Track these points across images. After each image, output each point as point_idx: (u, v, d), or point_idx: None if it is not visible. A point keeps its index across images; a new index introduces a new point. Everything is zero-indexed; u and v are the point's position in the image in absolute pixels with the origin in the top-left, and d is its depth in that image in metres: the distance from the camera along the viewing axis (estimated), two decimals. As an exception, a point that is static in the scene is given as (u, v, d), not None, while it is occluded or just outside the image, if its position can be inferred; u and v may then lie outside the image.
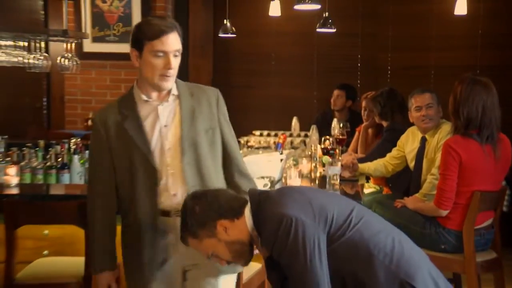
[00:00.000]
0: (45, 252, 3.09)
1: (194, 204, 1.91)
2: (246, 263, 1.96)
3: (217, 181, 2.20)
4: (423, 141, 3.67)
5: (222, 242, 1.89)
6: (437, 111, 3.63)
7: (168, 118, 2.18)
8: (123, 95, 2.29)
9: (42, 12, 6.17)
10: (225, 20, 5.61)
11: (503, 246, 3.37)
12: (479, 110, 3.08)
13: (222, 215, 1.88)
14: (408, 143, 3.82)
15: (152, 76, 2.13)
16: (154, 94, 2.20)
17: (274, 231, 1.79)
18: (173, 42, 2.11)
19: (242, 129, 5.91)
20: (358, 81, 6.42)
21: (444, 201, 3.07)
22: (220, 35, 5.74)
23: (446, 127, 3.55)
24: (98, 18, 6.07)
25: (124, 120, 2.15)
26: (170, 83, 2.17)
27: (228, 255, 1.91)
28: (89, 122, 5.96)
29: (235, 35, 5.73)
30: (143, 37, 2.10)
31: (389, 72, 6.40)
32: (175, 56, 2.13)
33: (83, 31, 5.75)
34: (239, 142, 4.73)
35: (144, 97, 2.19)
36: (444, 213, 3.10)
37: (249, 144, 4.73)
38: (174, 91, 2.22)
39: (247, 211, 1.89)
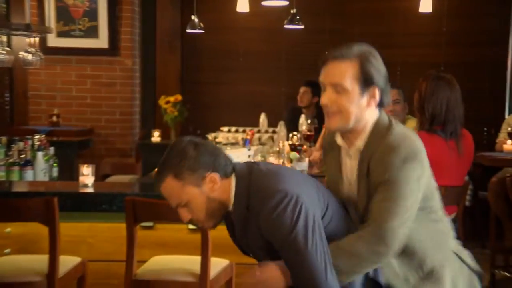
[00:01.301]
0: (7, 250, 3.03)
1: (192, 147, 1.81)
2: (213, 227, 1.88)
3: None
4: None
5: (203, 195, 1.80)
6: (403, 107, 3.69)
7: None
8: None
9: (4, 5, 6.01)
10: (192, 16, 5.58)
11: (465, 239, 3.44)
12: (443, 106, 3.13)
13: (216, 169, 1.80)
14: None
15: None
16: None
17: (271, 205, 1.72)
18: None
19: (210, 125, 5.90)
20: (326, 78, 6.46)
21: None
22: (188, 30, 5.71)
23: (412, 123, 3.60)
24: (63, 13, 5.97)
25: None
26: None
27: (201, 211, 1.81)
28: (54, 118, 5.86)
29: (203, 31, 5.70)
30: None
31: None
32: None
33: (47, 25, 5.64)
34: (207, 138, 4.73)
35: None
36: None
37: (217, 140, 4.71)
38: None
39: (234, 176, 1.83)
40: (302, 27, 5.39)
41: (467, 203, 4.13)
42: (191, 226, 3.12)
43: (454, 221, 3.28)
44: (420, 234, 1.87)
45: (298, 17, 5.30)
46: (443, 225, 1.96)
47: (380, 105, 1.91)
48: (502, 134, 4.58)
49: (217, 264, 2.80)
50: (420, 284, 1.88)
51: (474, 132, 3.35)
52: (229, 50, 6.59)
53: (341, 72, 1.83)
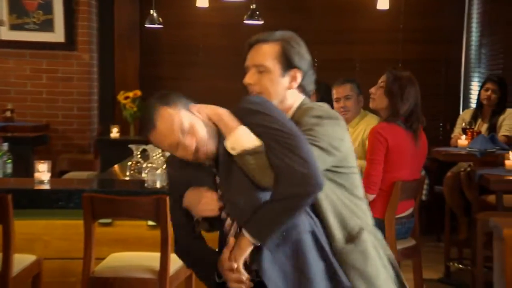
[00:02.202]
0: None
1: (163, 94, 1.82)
2: (214, 154, 1.79)
3: None
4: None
5: (198, 119, 1.80)
6: (357, 102, 3.73)
7: None
8: None
9: (-45, -3, 5.85)
10: (151, 11, 5.52)
11: (421, 233, 3.51)
12: (411, 103, 3.21)
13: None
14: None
15: None
16: None
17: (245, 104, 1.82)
18: None
19: (169, 121, 5.84)
20: (285, 74, 6.50)
21: (371, 185, 3.16)
22: (146, 25, 5.64)
23: (370, 121, 3.65)
24: (16, 5, 5.80)
25: None
26: None
27: (203, 132, 1.76)
28: (8, 114, 5.70)
29: (162, 26, 5.65)
30: None
31: (315, 64, 6.49)
32: None
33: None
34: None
35: None
36: (371, 197, 3.19)
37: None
38: None
39: None
40: (261, 22, 5.39)
41: (423, 198, 4.21)
42: (150, 222, 3.09)
43: (411, 215, 3.35)
44: (341, 199, 1.90)
45: (257, 12, 5.30)
46: (363, 204, 1.98)
47: (304, 91, 1.96)
48: (457, 130, 4.69)
49: (177, 260, 2.77)
50: (344, 246, 1.87)
51: (430, 127, 3.44)
52: (189, 45, 6.54)
53: (264, 53, 1.92)
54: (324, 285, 1.78)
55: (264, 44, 1.93)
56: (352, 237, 1.88)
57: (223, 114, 1.81)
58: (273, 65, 1.90)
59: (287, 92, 1.91)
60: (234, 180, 1.77)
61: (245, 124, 1.77)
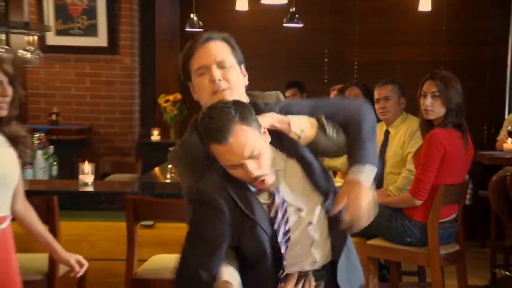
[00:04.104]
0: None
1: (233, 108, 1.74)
2: (273, 183, 1.74)
3: None
4: (386, 134, 3.71)
5: (267, 145, 1.74)
6: (397, 103, 3.67)
7: None
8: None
9: (3, 3, 6.01)
10: (191, 14, 5.57)
11: (465, 238, 3.44)
12: (460, 104, 3.15)
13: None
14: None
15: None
16: None
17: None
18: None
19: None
20: (325, 76, 6.46)
21: (422, 191, 3.11)
22: (186, 29, 5.70)
23: (412, 123, 3.59)
24: (62, 11, 5.95)
25: None
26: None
27: (268, 161, 1.69)
28: (53, 117, 5.85)
29: (202, 29, 5.69)
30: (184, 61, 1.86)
31: (355, 67, 6.45)
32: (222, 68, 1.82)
33: (46, 23, 5.63)
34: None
35: None
36: (419, 203, 3.14)
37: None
38: None
39: None
40: (301, 25, 5.38)
41: (467, 202, 4.12)
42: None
43: (454, 220, 3.28)
44: None
45: (297, 15, 5.29)
46: None
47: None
48: (503, 133, 4.57)
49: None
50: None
51: (474, 130, 3.36)
52: (228, 48, 6.57)
53: (221, 49, 1.84)
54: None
55: (216, 42, 1.84)
56: None
57: (277, 115, 1.79)
58: (233, 61, 1.84)
59: (243, 88, 1.88)
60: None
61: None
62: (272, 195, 1.74)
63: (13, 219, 2.32)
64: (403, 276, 3.95)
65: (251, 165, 1.67)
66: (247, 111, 1.70)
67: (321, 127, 1.79)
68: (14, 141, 2.21)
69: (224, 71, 1.82)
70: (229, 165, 1.70)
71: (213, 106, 1.72)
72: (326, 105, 1.88)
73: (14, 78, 2.19)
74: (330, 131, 1.79)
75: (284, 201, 1.74)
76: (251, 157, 1.67)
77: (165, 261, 2.85)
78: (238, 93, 1.83)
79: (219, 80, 1.79)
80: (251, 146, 1.67)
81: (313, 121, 1.80)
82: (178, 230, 3.16)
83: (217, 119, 1.66)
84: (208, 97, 1.80)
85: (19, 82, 2.25)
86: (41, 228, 2.39)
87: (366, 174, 1.76)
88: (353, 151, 1.80)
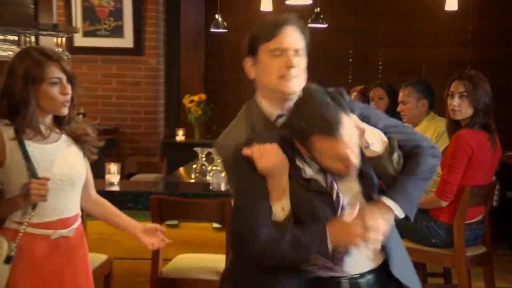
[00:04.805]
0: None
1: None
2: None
3: None
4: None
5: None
6: (415, 106, 3.65)
7: None
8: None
9: (32, 6, 6.11)
10: (216, 15, 5.60)
11: (492, 240, 3.39)
12: (488, 104, 3.12)
13: None
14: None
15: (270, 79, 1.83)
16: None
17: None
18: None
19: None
20: (350, 77, 6.43)
21: (448, 193, 3.08)
22: (211, 30, 5.73)
23: (438, 124, 3.56)
24: (89, 12, 6.04)
25: None
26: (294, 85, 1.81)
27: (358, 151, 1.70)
28: (80, 117, 5.92)
29: (226, 30, 5.71)
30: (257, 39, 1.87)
31: (380, 67, 6.41)
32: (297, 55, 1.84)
33: (74, 25, 5.71)
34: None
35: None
36: (445, 204, 3.11)
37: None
38: None
39: None
40: (326, 26, 5.37)
41: (494, 203, 4.06)
42: (215, 225, 3.13)
43: (481, 222, 3.24)
44: None
45: (322, 16, 5.28)
46: None
47: None
48: (530, 134, 4.51)
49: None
50: None
51: (501, 131, 3.31)
52: (253, 49, 6.58)
53: (300, 38, 1.87)
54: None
55: (297, 29, 1.88)
56: None
57: (356, 119, 1.74)
58: (305, 51, 1.88)
59: None
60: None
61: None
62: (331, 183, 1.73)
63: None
64: (429, 278, 3.92)
65: (354, 157, 1.68)
66: (345, 105, 1.71)
67: (389, 148, 1.76)
68: (78, 139, 2.19)
69: (299, 59, 1.85)
70: (330, 156, 1.67)
71: (311, 96, 1.71)
72: (401, 130, 1.84)
73: (72, 76, 2.16)
74: (396, 156, 1.76)
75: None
76: (354, 147, 1.68)
77: (190, 260, 2.87)
78: (303, 82, 1.85)
79: (295, 67, 1.82)
80: (355, 136, 1.68)
81: (385, 139, 1.77)
82: (203, 229, 3.20)
83: (325, 114, 1.64)
84: (275, 79, 1.82)
85: (76, 81, 2.20)
86: (121, 220, 2.34)
87: (397, 209, 1.76)
88: (398, 183, 1.78)
